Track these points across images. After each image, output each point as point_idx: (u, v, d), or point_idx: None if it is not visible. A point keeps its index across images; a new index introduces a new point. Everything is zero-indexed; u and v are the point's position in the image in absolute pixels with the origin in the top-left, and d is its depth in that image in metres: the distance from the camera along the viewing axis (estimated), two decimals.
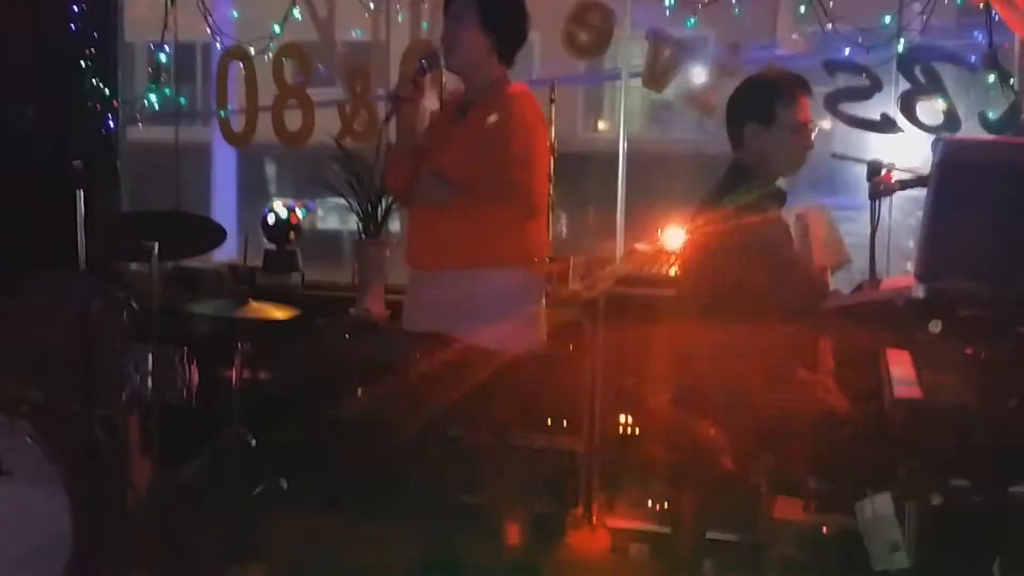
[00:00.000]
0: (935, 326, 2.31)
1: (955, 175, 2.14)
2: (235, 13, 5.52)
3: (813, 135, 3.12)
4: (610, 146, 4.89)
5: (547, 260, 3.41)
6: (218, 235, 3.63)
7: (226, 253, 5.23)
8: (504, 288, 3.19)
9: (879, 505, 2.35)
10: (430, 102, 3.54)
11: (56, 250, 3.38)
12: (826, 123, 4.39)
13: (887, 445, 2.41)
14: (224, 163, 8.57)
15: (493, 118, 3.17)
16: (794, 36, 5.03)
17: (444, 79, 3.90)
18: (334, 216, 9.91)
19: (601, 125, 10.46)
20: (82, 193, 3.04)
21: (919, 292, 2.21)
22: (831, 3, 4.20)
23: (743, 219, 2.90)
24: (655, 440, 3.43)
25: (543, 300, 3.35)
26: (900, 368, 2.76)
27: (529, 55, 4.82)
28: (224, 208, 8.05)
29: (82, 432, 3.28)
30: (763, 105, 3.08)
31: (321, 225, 10.09)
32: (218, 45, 5.15)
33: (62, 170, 3.19)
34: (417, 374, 3.39)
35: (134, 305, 3.47)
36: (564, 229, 5.98)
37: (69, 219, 3.15)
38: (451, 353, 3.19)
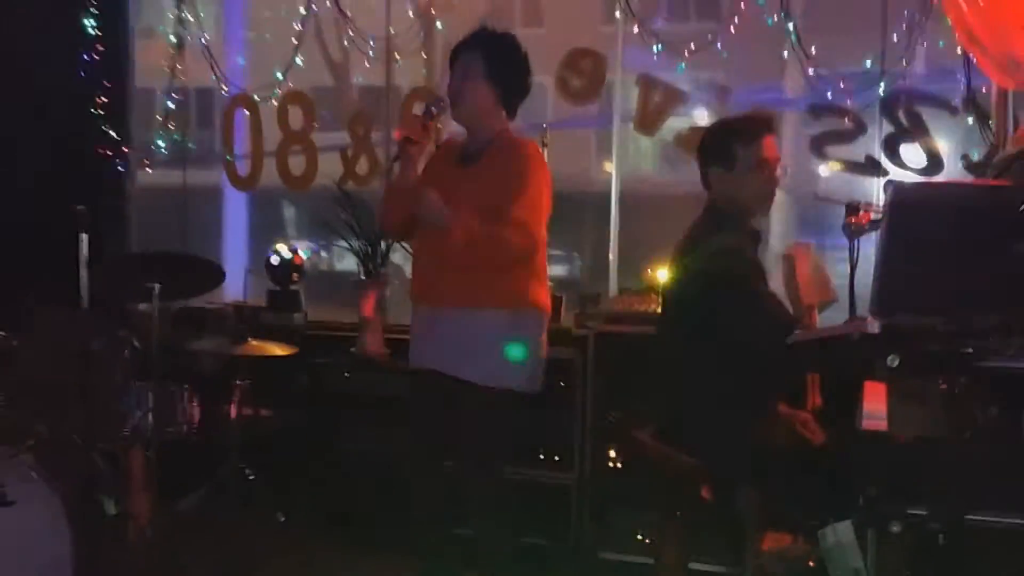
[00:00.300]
0: (893, 360, 2.41)
1: (905, 216, 2.25)
2: (242, 60, 5.72)
3: (779, 172, 3.19)
4: (623, 186, 4.99)
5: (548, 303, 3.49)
6: (217, 276, 3.75)
7: (235, 293, 5.40)
8: (510, 328, 3.28)
9: (840, 532, 2.43)
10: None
11: (62, 290, 3.53)
12: (823, 168, 4.53)
13: (849, 475, 2.49)
14: (235, 205, 8.77)
15: (507, 168, 3.28)
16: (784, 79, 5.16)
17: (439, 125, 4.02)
18: (351, 258, 10.09)
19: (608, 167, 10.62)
20: (85, 236, 3.17)
21: (874, 327, 2.31)
22: (812, 48, 4.32)
23: (713, 258, 3.00)
24: (638, 473, 3.51)
25: (544, 340, 3.42)
26: (874, 402, 2.85)
27: (542, 99, 5.00)
28: (234, 249, 8.22)
29: (84, 464, 3.39)
30: (723, 148, 3.15)
31: (339, 266, 10.27)
32: (224, 91, 5.31)
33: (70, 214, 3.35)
34: (414, 410, 3.50)
35: (135, 343, 3.59)
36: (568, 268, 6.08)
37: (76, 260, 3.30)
38: (449, 391, 3.29)
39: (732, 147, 3.17)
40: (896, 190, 2.26)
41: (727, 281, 2.95)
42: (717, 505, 3.13)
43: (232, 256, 8.36)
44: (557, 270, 5.90)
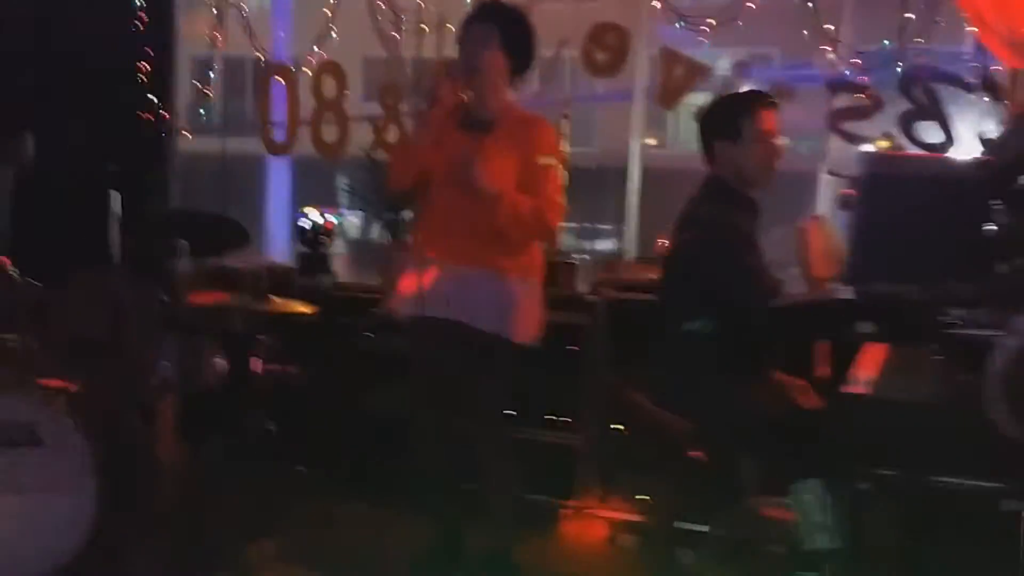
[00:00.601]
0: (868, 326, 2.52)
1: (880, 187, 2.35)
2: (282, 32, 5.89)
3: (781, 147, 3.31)
4: (666, 161, 5.10)
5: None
6: (242, 236, 3.93)
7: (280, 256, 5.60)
8: (525, 291, 3.55)
9: (810, 490, 2.54)
10: None
11: (97, 247, 3.73)
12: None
13: (823, 436, 2.60)
14: (279, 173, 9.00)
15: (536, 145, 3.49)
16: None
17: None
18: None
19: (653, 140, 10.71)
20: (117, 194, 3.35)
21: (848, 294, 2.41)
22: (830, 26, 4.37)
23: (705, 227, 3.12)
24: (635, 435, 3.65)
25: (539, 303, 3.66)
26: (867, 367, 2.97)
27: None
28: (279, 214, 8.46)
29: (112, 411, 3.60)
30: (728, 121, 3.30)
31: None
32: (262, 62, 5.48)
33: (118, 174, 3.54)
34: (429, 361, 3.67)
35: (165, 299, 3.78)
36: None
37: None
38: (468, 340, 3.49)
39: (737, 120, 3.29)
40: (871, 161, 2.36)
41: (716, 250, 3.07)
42: (710, 468, 3.26)
43: (275, 221, 8.61)
44: (583, 240, 6.04)
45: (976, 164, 2.60)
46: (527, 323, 3.56)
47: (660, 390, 3.33)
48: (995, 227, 2.66)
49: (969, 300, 2.48)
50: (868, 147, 4.26)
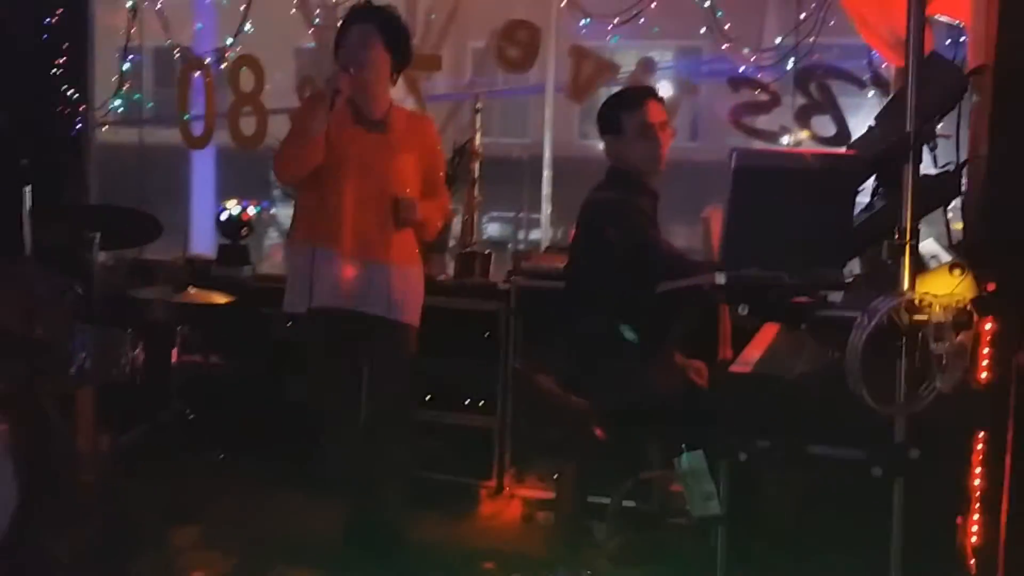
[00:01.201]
0: (743, 309, 2.69)
1: (748, 180, 2.52)
2: (199, 24, 5.94)
3: (666, 134, 3.50)
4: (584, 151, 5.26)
5: None
6: (154, 228, 4.01)
7: (203, 248, 5.66)
8: (415, 279, 3.77)
9: (693, 459, 2.72)
10: None
11: (11, 241, 3.78)
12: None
13: (704, 410, 2.78)
14: (204, 165, 9.01)
15: (430, 144, 3.79)
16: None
17: None
18: None
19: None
20: (28, 189, 3.42)
21: (721, 279, 2.58)
22: (727, 25, 4.57)
23: (606, 204, 3.32)
24: (541, 416, 3.81)
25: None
26: (756, 347, 3.16)
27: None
28: (203, 207, 8.46)
29: (28, 403, 3.66)
30: (612, 117, 3.51)
31: None
32: (176, 54, 5.53)
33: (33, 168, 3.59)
34: (326, 350, 3.81)
35: (79, 290, 3.85)
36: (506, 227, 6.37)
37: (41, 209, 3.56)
38: (361, 326, 3.65)
39: (619, 116, 3.51)
40: (739, 156, 2.53)
41: (617, 222, 3.27)
42: (610, 445, 3.43)
43: (199, 213, 8.61)
44: (496, 229, 6.20)
45: (840, 157, 2.80)
46: (412, 306, 3.75)
47: (563, 372, 3.49)
48: (860, 215, 2.89)
49: (836, 284, 2.66)
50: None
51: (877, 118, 3.05)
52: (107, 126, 5.76)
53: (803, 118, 4.65)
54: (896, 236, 2.49)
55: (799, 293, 2.59)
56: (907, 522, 2.52)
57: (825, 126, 4.60)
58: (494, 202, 5.86)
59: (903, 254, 2.49)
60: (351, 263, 3.63)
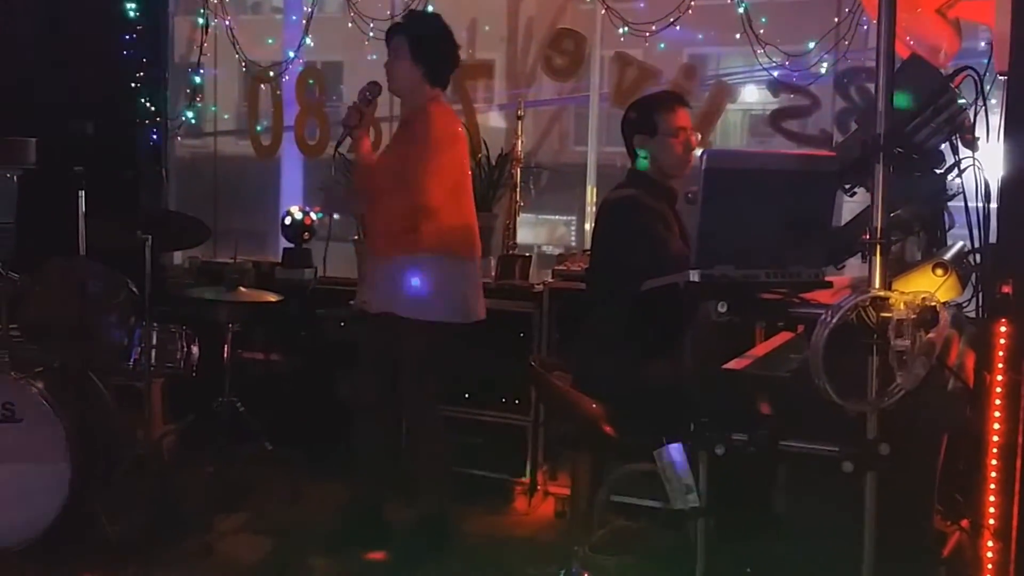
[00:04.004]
0: (722, 307, 2.77)
1: (718, 180, 2.60)
2: (270, 39, 6.24)
3: (694, 140, 3.60)
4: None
5: (468, 251, 3.96)
6: (204, 232, 4.27)
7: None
8: (416, 270, 3.81)
9: (673, 453, 2.80)
10: None
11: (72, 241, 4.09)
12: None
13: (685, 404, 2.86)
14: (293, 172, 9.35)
15: (414, 135, 3.80)
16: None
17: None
18: None
19: None
20: (83, 194, 3.70)
21: (695, 277, 2.67)
22: (762, 30, 4.61)
23: (621, 201, 3.44)
24: (553, 414, 3.94)
25: (460, 282, 3.92)
26: (766, 346, 3.24)
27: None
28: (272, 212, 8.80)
29: (85, 390, 3.96)
30: (646, 117, 3.60)
31: None
32: (244, 68, 5.82)
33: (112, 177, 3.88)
34: (370, 350, 4.01)
35: (132, 288, 4.13)
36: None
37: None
38: (383, 325, 3.85)
39: (653, 116, 3.60)
40: (709, 157, 2.61)
41: (626, 224, 3.37)
42: (621, 441, 3.53)
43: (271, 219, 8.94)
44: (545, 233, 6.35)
45: (816, 158, 2.84)
46: (418, 300, 3.82)
47: (575, 369, 3.60)
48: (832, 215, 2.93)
49: (815, 283, 2.72)
50: None
51: (856, 120, 3.09)
52: (180, 138, 6.09)
53: (843, 122, 4.65)
54: (867, 235, 2.56)
55: (777, 292, 2.66)
56: (881, 515, 2.57)
57: None
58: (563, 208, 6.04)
59: (875, 253, 2.55)
60: (369, 261, 3.90)
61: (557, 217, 6.30)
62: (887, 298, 2.47)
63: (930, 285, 2.76)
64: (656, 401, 3.26)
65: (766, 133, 5.08)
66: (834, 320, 2.43)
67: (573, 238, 5.81)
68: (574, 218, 6.96)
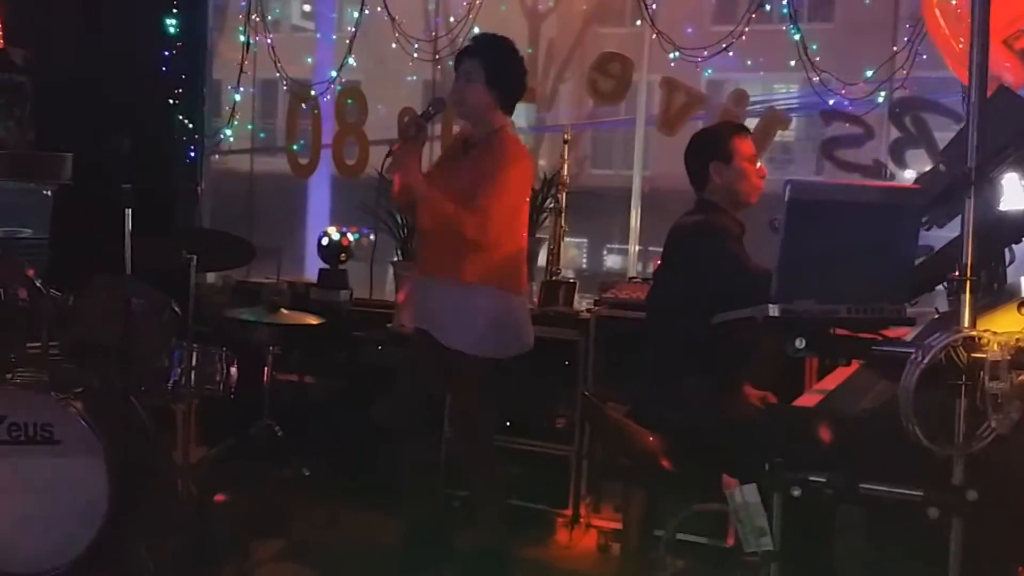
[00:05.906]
0: (800, 343, 2.67)
1: (802, 211, 2.51)
2: (309, 59, 6.20)
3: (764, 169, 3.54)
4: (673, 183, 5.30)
5: (521, 284, 3.86)
6: (248, 252, 4.20)
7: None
8: (469, 300, 3.70)
9: (747, 494, 2.69)
10: None
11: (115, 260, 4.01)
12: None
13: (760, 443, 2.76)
14: (320, 191, 9.32)
15: (486, 161, 3.69)
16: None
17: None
18: None
19: None
20: (129, 211, 3.63)
21: (775, 312, 2.57)
22: (817, 58, 4.53)
23: (695, 226, 3.35)
24: (607, 446, 3.83)
25: (514, 315, 3.80)
26: (832, 379, 3.13)
27: None
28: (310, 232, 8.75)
29: (124, 413, 3.87)
30: (722, 144, 3.51)
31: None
32: (284, 87, 5.77)
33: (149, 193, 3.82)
34: (411, 369, 3.92)
35: (175, 308, 4.05)
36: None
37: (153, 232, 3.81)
38: (431, 349, 3.75)
39: (730, 142, 3.51)
40: (793, 188, 2.52)
41: (705, 238, 3.29)
42: (678, 477, 3.43)
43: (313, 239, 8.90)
44: (615, 261, 6.28)
45: (900, 191, 2.75)
46: (482, 334, 3.70)
47: (632, 401, 3.50)
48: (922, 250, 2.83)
49: (897, 319, 2.62)
50: None
51: (942, 153, 3.00)
52: (218, 155, 6.03)
53: (897, 152, 4.57)
54: (956, 272, 2.46)
55: (856, 327, 2.57)
56: (966, 564, 2.46)
57: (920, 160, 4.51)
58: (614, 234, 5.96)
59: (964, 290, 2.46)
60: (421, 284, 3.81)
61: (569, 239, 6.25)
62: (979, 338, 2.38)
63: (1014, 325, 2.66)
64: (724, 437, 3.17)
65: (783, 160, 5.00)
66: (926, 360, 2.34)
67: (585, 261, 5.73)
68: (585, 241, 6.93)
